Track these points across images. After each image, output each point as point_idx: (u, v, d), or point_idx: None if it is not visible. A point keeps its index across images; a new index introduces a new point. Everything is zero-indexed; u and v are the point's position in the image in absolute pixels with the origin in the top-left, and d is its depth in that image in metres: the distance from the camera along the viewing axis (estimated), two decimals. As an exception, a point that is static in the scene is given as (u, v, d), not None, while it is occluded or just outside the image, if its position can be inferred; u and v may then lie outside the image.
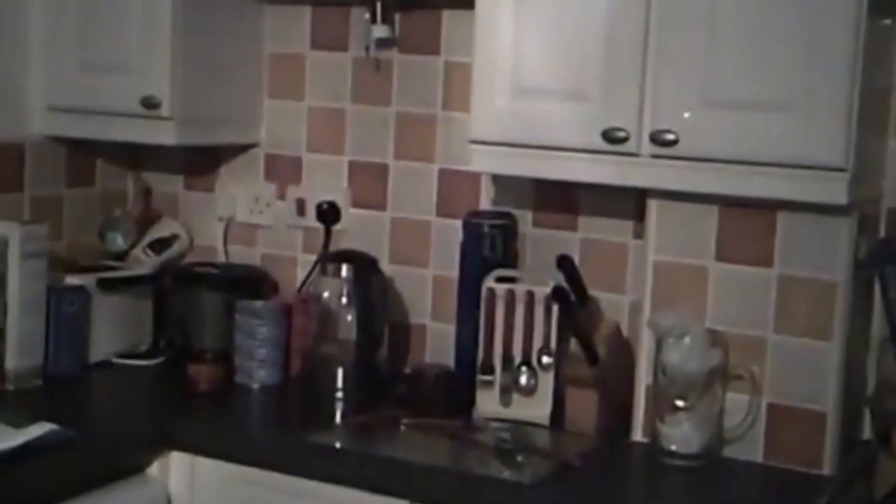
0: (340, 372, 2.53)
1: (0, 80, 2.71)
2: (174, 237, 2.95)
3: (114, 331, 2.72)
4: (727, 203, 2.25)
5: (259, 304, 2.66)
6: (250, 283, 2.78)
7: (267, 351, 2.62)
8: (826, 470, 2.22)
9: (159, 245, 2.92)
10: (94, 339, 2.67)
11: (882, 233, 2.33)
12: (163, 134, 2.67)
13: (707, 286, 2.29)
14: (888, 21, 2.24)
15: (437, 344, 2.71)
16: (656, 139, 2.17)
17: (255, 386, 2.61)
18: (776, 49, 2.08)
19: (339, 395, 2.53)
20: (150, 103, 2.63)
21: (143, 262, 2.87)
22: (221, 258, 2.96)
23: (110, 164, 2.98)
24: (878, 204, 2.33)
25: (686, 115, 2.16)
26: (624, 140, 2.20)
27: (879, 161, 2.30)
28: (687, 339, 2.23)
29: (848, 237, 2.18)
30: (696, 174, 2.17)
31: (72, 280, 2.64)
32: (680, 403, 2.24)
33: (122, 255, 2.91)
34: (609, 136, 2.21)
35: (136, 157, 3.02)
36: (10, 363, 2.47)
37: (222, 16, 2.78)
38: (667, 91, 2.17)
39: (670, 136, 2.16)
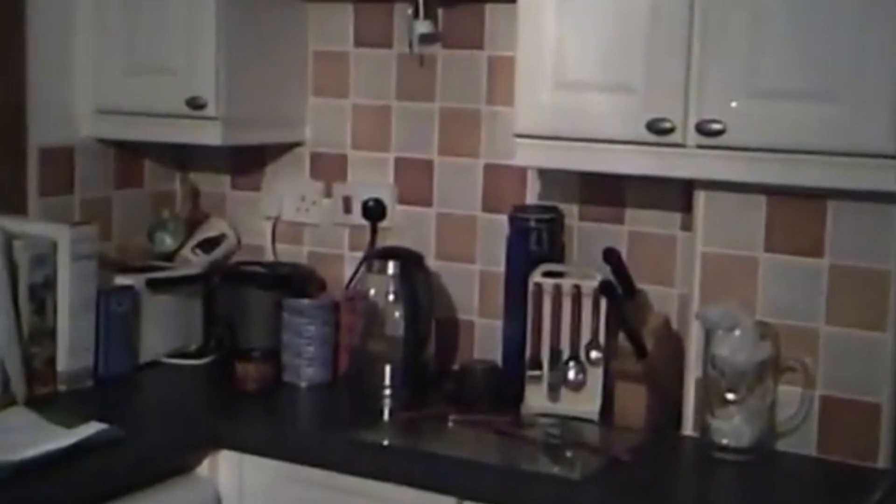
0: (388, 369, 2.53)
1: (49, 86, 2.73)
2: (222, 237, 2.97)
3: (163, 331, 2.74)
4: (775, 192, 2.22)
5: (306, 302, 2.66)
6: (297, 281, 2.78)
7: (314, 349, 2.62)
8: (881, 463, 2.19)
9: (207, 245, 2.94)
10: (144, 340, 2.69)
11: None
12: (209, 134, 2.68)
13: (757, 277, 2.26)
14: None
15: (485, 340, 2.70)
16: (703, 129, 2.15)
17: (303, 384, 2.62)
18: (823, 36, 2.05)
19: (387, 392, 2.53)
20: (195, 104, 2.64)
21: (192, 262, 2.89)
22: (269, 257, 2.97)
23: (158, 166, 3.01)
24: (930, 191, 2.28)
25: (733, 104, 2.13)
26: (670, 131, 2.18)
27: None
28: (737, 332, 2.20)
29: (900, 225, 2.15)
30: (744, 164, 2.14)
31: (121, 281, 2.66)
32: (730, 396, 2.21)
33: (170, 256, 2.93)
34: (654, 128, 2.18)
35: (183, 157, 3.04)
36: (61, 364, 2.49)
37: (266, 15, 2.78)
38: (713, 81, 2.14)
39: (717, 126, 2.13)
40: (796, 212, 2.22)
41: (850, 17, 2.02)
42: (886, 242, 2.15)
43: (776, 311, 2.24)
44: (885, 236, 2.15)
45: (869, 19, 2.01)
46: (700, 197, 2.30)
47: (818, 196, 2.18)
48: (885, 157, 2.03)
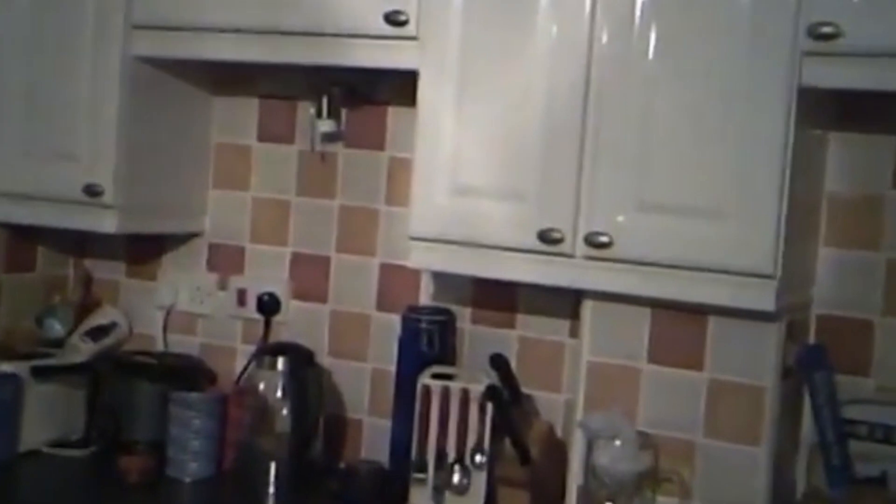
0: (273, 466, 2.51)
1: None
2: (113, 325, 2.94)
3: (46, 419, 2.68)
4: (660, 305, 2.26)
5: (194, 395, 2.64)
6: (187, 373, 2.76)
7: (200, 443, 2.59)
8: (756, 576, 2.22)
9: (97, 332, 2.90)
10: (25, 428, 2.64)
11: (811, 339, 2.36)
12: (104, 222, 2.66)
13: (639, 388, 2.30)
14: (818, 131, 2.29)
15: (373, 439, 2.70)
16: (590, 241, 2.20)
17: (187, 479, 2.58)
18: (708, 156, 2.12)
19: (272, 489, 2.50)
20: (92, 191, 2.63)
21: (81, 350, 2.84)
22: (160, 347, 2.94)
23: (52, 250, 2.98)
24: (808, 310, 2.35)
25: (620, 218, 2.18)
26: (559, 241, 2.22)
27: (809, 268, 2.33)
28: (617, 442, 2.23)
29: (776, 343, 2.20)
30: (629, 277, 2.19)
31: (4, 367, 2.61)
32: (610, 506, 2.23)
33: (59, 342, 2.88)
34: (544, 237, 2.23)
35: (78, 243, 3.01)
36: (-63, 451, 2.44)
37: (171, 106, 2.79)
38: (602, 194, 2.20)
39: (604, 239, 2.18)
40: (679, 325, 2.27)
41: (734, 138, 2.09)
42: (763, 359, 2.20)
43: (656, 422, 2.28)
44: (762, 353, 2.20)
45: (751, 142, 2.07)
46: (587, 306, 2.34)
47: (700, 311, 2.23)
48: (765, 276, 2.09)
